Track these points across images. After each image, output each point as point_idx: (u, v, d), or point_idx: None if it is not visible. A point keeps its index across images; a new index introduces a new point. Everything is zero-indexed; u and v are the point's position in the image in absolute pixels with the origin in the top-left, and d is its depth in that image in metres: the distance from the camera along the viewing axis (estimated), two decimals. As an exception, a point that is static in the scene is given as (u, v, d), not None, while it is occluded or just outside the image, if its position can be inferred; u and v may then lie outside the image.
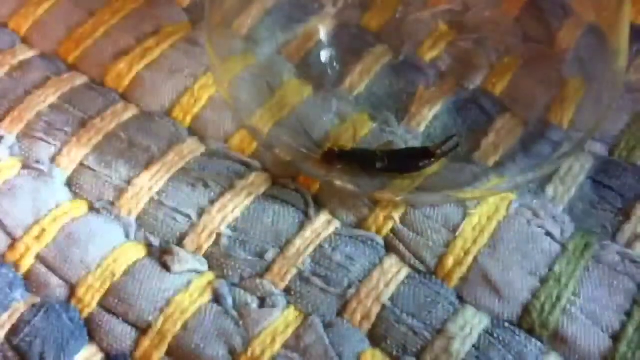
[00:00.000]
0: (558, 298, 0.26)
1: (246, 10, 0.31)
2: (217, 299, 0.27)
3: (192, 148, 0.30)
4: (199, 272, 0.27)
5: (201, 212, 0.28)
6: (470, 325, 0.26)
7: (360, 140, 0.30)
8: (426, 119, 0.30)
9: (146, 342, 0.26)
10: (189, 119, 0.31)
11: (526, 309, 0.26)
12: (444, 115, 0.30)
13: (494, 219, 0.28)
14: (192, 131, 0.31)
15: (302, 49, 0.32)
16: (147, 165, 0.30)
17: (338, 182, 0.28)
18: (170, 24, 0.34)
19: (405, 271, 0.27)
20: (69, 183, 0.30)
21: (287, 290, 0.27)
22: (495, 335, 0.25)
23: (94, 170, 0.30)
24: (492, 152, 0.29)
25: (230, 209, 0.28)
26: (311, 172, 0.29)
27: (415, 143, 0.30)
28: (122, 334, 0.26)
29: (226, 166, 0.30)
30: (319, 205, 0.29)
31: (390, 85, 0.31)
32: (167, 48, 0.33)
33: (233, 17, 0.31)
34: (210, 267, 0.27)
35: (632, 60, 0.32)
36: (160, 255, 0.28)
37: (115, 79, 0.33)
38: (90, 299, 0.27)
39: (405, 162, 0.28)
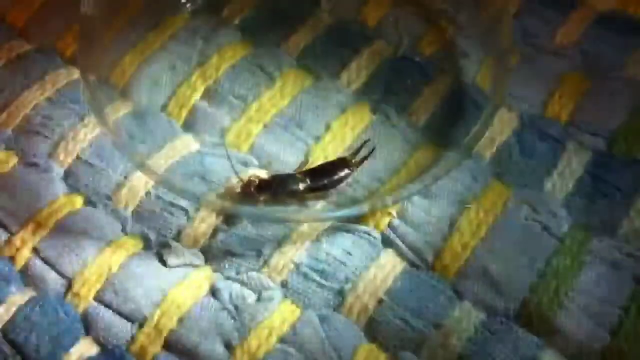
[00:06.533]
0: (555, 292, 0.26)
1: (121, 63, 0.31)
2: (213, 293, 0.26)
3: (186, 143, 0.30)
4: (195, 266, 0.27)
5: (198, 206, 0.28)
6: (467, 319, 0.26)
7: (361, 132, 0.30)
8: (426, 113, 0.30)
9: (142, 336, 0.26)
10: (184, 113, 0.31)
11: (523, 303, 0.26)
12: (442, 108, 0.30)
13: (492, 213, 0.28)
14: (187, 127, 0.31)
15: (300, 43, 0.32)
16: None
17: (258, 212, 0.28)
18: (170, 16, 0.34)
19: (402, 266, 0.27)
20: (66, 177, 0.29)
21: (283, 284, 0.27)
22: (492, 329, 0.25)
23: (90, 164, 0.30)
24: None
25: (227, 203, 0.28)
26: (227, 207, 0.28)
27: (417, 137, 0.30)
28: (118, 328, 0.26)
29: (221, 163, 0.29)
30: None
31: (389, 80, 0.31)
32: (166, 40, 0.33)
33: (108, 72, 0.31)
34: (207, 261, 0.27)
35: (630, 54, 0.32)
36: (157, 249, 0.27)
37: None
38: (86, 292, 0.27)
39: (326, 176, 0.28)
